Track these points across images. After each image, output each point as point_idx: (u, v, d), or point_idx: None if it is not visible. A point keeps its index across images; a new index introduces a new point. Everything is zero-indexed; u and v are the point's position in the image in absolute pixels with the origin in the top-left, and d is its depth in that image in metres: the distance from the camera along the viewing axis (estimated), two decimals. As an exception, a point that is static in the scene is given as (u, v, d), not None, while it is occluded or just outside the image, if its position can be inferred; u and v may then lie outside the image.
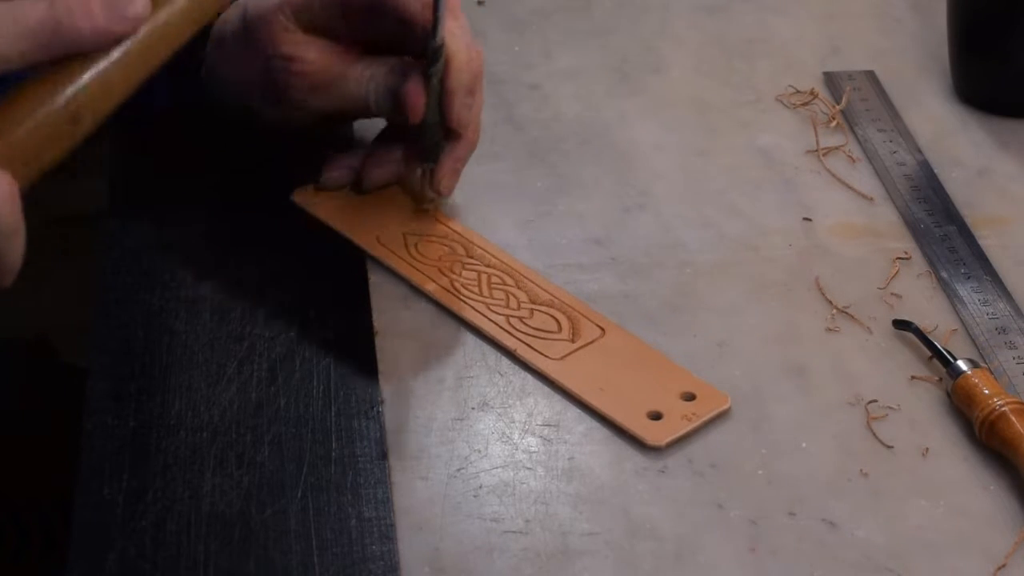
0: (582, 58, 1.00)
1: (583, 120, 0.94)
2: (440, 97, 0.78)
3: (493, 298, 0.79)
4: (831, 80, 0.99)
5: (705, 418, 0.72)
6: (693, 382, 0.74)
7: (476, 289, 0.79)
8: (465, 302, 0.78)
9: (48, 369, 1.09)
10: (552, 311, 0.78)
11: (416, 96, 0.78)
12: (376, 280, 0.80)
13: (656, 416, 0.72)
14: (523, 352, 0.75)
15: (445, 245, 0.82)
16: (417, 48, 0.79)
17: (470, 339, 0.77)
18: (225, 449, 0.70)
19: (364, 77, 0.80)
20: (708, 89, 0.99)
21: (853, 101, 0.97)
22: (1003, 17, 0.94)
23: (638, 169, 0.91)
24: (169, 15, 0.59)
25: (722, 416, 0.73)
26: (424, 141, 0.80)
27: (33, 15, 0.54)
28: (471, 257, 0.81)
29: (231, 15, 0.82)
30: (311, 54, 0.79)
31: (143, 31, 0.57)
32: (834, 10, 1.08)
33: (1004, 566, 0.66)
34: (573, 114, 0.95)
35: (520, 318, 0.77)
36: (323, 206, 0.83)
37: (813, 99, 0.97)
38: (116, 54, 0.56)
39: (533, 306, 0.78)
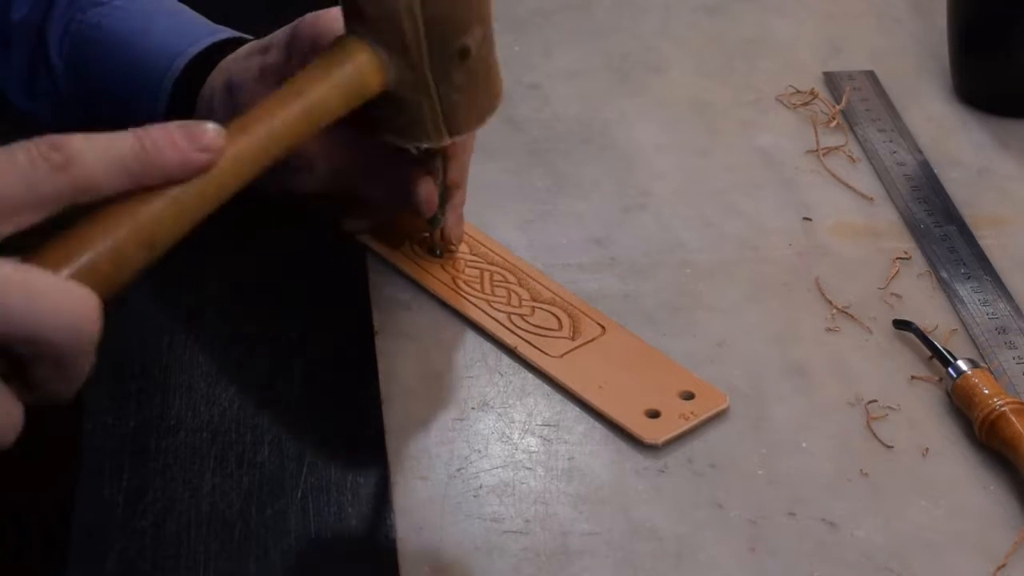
0: (582, 58, 1.00)
1: (583, 120, 0.94)
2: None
3: (495, 296, 0.79)
4: (831, 80, 0.99)
5: (703, 417, 0.72)
6: (692, 381, 0.74)
7: (478, 286, 0.79)
8: (467, 299, 0.78)
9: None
10: (553, 309, 0.78)
11: (431, 199, 0.77)
12: (376, 280, 0.80)
13: (654, 414, 0.72)
14: (524, 350, 0.76)
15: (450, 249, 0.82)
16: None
17: (470, 339, 0.77)
18: (225, 449, 0.70)
19: (381, 174, 0.77)
20: (708, 89, 0.99)
21: (853, 101, 0.97)
22: (1003, 17, 0.94)
23: (638, 169, 0.91)
24: (242, 149, 0.61)
25: (721, 415, 0.73)
26: (432, 221, 0.79)
27: (124, 146, 0.56)
28: (474, 255, 0.81)
29: (216, 83, 0.79)
30: (326, 146, 0.76)
31: (220, 163, 0.59)
32: (834, 10, 1.08)
33: (1004, 566, 0.66)
34: (573, 114, 0.95)
35: (521, 316, 0.78)
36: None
37: (813, 99, 0.97)
38: (192, 184, 0.58)
39: (535, 304, 0.78)
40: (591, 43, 1.02)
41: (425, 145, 0.72)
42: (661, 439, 0.71)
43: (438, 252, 0.81)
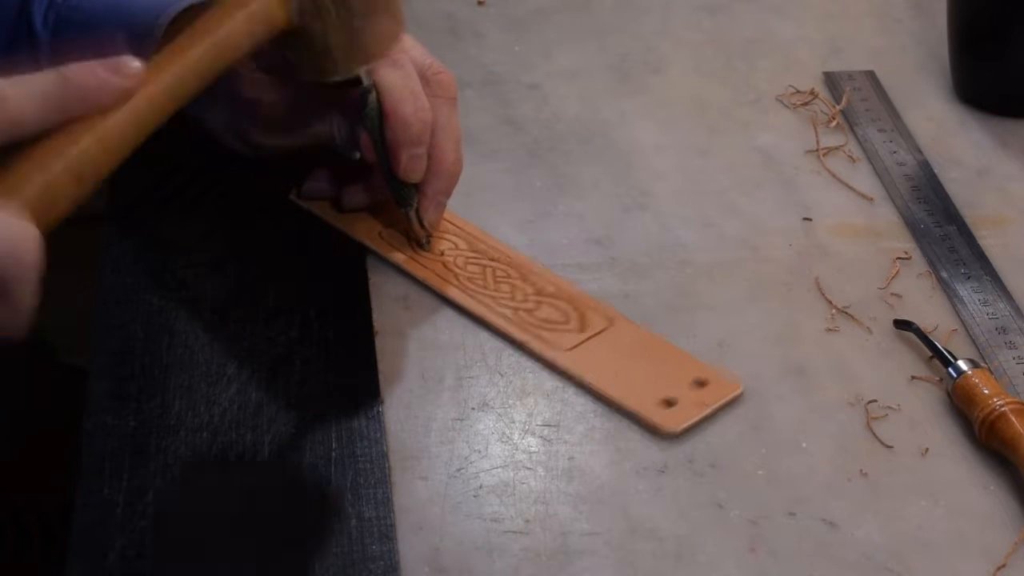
0: (582, 58, 1.00)
1: (583, 120, 0.94)
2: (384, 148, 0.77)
3: (499, 291, 0.79)
4: (831, 80, 0.99)
5: (719, 404, 0.72)
6: (703, 369, 0.74)
7: (481, 283, 0.79)
8: (472, 296, 0.78)
9: (48, 369, 1.09)
10: (558, 303, 0.78)
11: (367, 142, 0.78)
12: (376, 280, 0.80)
13: (671, 403, 0.72)
14: (534, 344, 0.76)
15: (447, 240, 0.82)
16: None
17: (470, 339, 0.77)
18: (225, 449, 0.70)
19: (327, 115, 0.79)
20: (708, 89, 0.99)
21: (853, 101, 0.97)
22: (1003, 17, 0.94)
23: (638, 169, 0.91)
24: (158, 85, 0.63)
25: (734, 402, 0.72)
26: (390, 186, 0.79)
27: (47, 80, 0.59)
28: (474, 251, 0.81)
29: None
30: (273, 95, 0.79)
31: (138, 98, 0.62)
32: (834, 10, 1.08)
33: (1004, 566, 0.66)
34: (573, 114, 0.95)
35: (527, 310, 0.78)
36: (322, 204, 0.83)
37: (813, 99, 0.97)
38: (114, 118, 0.60)
39: (539, 298, 0.78)
40: (591, 43, 1.02)
41: (338, 78, 0.74)
42: (680, 427, 0.71)
43: (424, 243, 0.81)
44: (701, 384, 0.73)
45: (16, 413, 1.02)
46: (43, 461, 0.98)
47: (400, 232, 0.82)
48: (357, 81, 0.76)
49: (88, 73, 0.59)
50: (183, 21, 0.80)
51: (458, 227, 0.83)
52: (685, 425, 0.71)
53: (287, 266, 0.81)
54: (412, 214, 0.80)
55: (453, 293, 0.79)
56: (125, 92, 0.61)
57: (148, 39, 0.80)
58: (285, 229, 0.83)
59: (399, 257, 0.80)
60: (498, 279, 0.80)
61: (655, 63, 1.01)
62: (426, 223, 0.80)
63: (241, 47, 0.69)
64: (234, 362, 0.74)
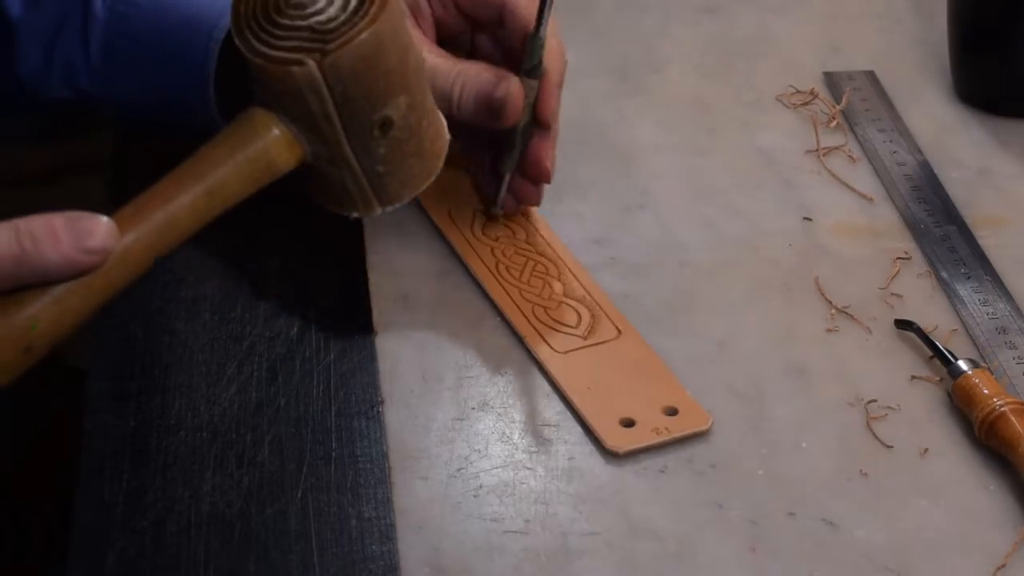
0: (582, 58, 1.00)
1: (583, 120, 0.94)
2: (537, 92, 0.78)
3: (529, 286, 0.79)
4: (831, 80, 0.99)
5: (676, 435, 0.71)
6: (682, 398, 0.73)
7: (517, 273, 0.80)
8: (500, 283, 0.79)
9: (48, 369, 1.09)
10: (579, 306, 0.78)
11: (517, 100, 0.76)
12: (376, 280, 0.80)
13: (628, 423, 0.72)
14: (530, 340, 0.76)
15: (508, 227, 0.83)
16: (514, 39, 0.77)
17: (470, 339, 0.77)
18: (225, 449, 0.70)
19: (452, 73, 0.77)
20: (708, 89, 0.99)
21: (853, 101, 0.97)
22: (1003, 17, 0.94)
23: (638, 169, 0.91)
24: (137, 239, 0.58)
25: (703, 434, 0.72)
26: (509, 146, 0.79)
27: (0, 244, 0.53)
28: (528, 243, 0.82)
29: None
30: None
31: (118, 250, 0.56)
32: (834, 10, 1.08)
33: (1004, 566, 0.66)
34: (573, 114, 0.95)
35: (545, 308, 0.78)
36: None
37: (813, 99, 0.97)
38: (77, 282, 0.55)
39: (563, 299, 0.79)
40: (591, 43, 1.02)
41: (356, 216, 0.71)
42: (624, 449, 0.70)
43: (498, 207, 0.82)
44: (671, 412, 0.72)
45: (16, 413, 1.02)
46: (43, 461, 0.98)
47: (482, 196, 0.83)
48: None
49: (49, 242, 0.53)
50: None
51: (523, 216, 0.84)
52: (631, 448, 0.70)
53: (287, 266, 0.81)
54: (506, 181, 0.81)
55: (483, 275, 0.80)
56: (89, 268, 0.55)
57: (211, 27, 0.80)
58: (285, 229, 0.83)
59: (456, 236, 0.82)
60: (535, 274, 0.80)
61: (655, 63, 1.01)
62: (550, 174, 0.80)
63: (237, 194, 0.64)
64: (234, 362, 0.74)
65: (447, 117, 0.76)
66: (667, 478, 0.70)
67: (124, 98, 0.85)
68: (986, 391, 0.71)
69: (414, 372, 0.75)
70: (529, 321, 0.77)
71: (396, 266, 0.81)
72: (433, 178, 0.72)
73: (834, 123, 0.95)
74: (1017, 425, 0.70)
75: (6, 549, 0.97)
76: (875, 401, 0.74)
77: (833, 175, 0.90)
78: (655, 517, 0.68)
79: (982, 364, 0.74)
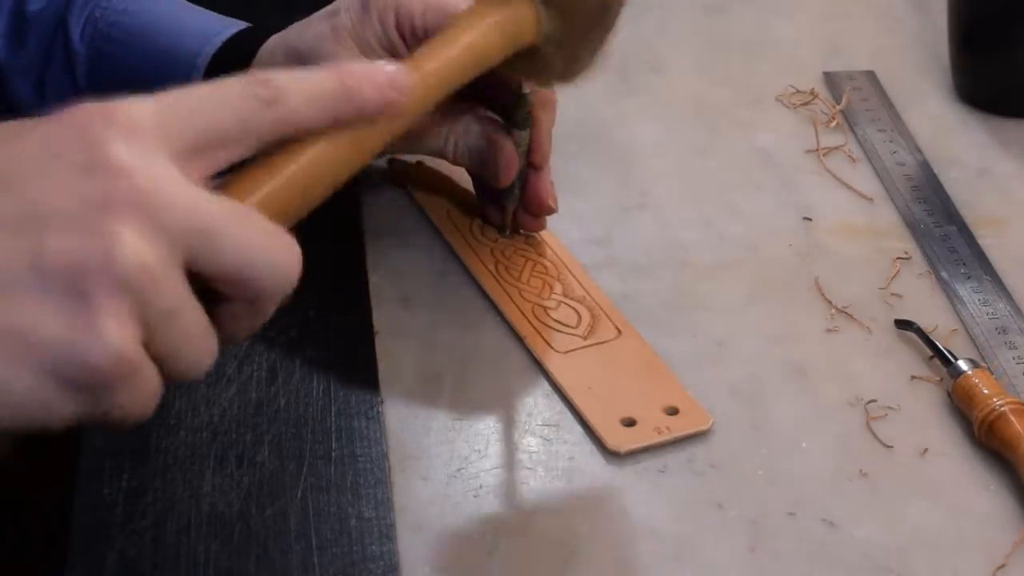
0: (582, 58, 1.00)
1: (583, 120, 0.94)
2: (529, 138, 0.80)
3: (528, 286, 0.80)
4: (831, 80, 0.99)
5: (677, 435, 0.71)
6: (683, 398, 0.73)
7: (516, 274, 0.80)
8: (499, 283, 0.80)
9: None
10: (579, 307, 0.78)
11: (512, 163, 0.79)
12: (376, 280, 0.80)
13: (630, 423, 0.72)
14: (531, 341, 0.76)
15: (519, 234, 0.83)
16: (498, 93, 0.79)
17: (470, 339, 0.77)
18: (225, 449, 0.70)
19: (443, 131, 0.80)
20: (708, 89, 0.99)
21: (853, 101, 0.97)
22: (1003, 17, 0.94)
23: (638, 169, 0.91)
24: (428, 82, 0.62)
25: (704, 433, 0.72)
26: (508, 190, 0.81)
27: (326, 84, 0.56)
28: (527, 243, 0.83)
29: (278, 56, 0.79)
30: None
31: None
32: (834, 10, 1.08)
33: (1004, 566, 0.66)
34: (573, 114, 0.95)
35: (545, 308, 0.78)
36: (412, 177, 0.87)
37: (813, 99, 0.97)
38: (379, 123, 0.58)
39: (563, 299, 0.79)
40: (591, 43, 1.02)
41: (550, 85, 0.76)
42: (625, 448, 0.70)
43: (507, 231, 0.83)
44: (672, 412, 0.72)
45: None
46: (43, 461, 0.98)
47: (487, 221, 0.84)
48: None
49: (368, 85, 0.57)
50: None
51: None
52: (632, 447, 0.70)
53: (287, 266, 0.81)
54: (509, 210, 0.82)
55: (482, 276, 0.80)
56: (396, 107, 0.58)
57: (188, 67, 0.81)
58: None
59: (456, 238, 0.83)
60: (534, 273, 0.80)
61: (655, 63, 1.01)
62: (554, 207, 0.82)
63: (493, 57, 0.67)
64: (234, 362, 0.74)
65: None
66: (667, 478, 0.70)
67: None
68: (986, 391, 0.71)
69: (414, 372, 0.75)
70: (529, 321, 0.77)
71: (396, 266, 0.81)
72: (606, 56, 0.76)
73: (834, 123, 0.95)
74: (1017, 425, 0.70)
75: (6, 549, 0.97)
76: (875, 401, 0.74)
77: (833, 175, 0.91)
78: (655, 517, 0.68)
79: (982, 364, 0.74)
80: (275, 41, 0.80)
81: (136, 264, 0.49)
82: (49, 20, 0.85)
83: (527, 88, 0.78)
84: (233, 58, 0.81)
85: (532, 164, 0.81)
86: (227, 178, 0.56)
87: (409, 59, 0.63)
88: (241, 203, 0.54)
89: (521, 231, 0.83)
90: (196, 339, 0.53)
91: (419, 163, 0.88)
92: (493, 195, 0.83)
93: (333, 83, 0.56)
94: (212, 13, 0.85)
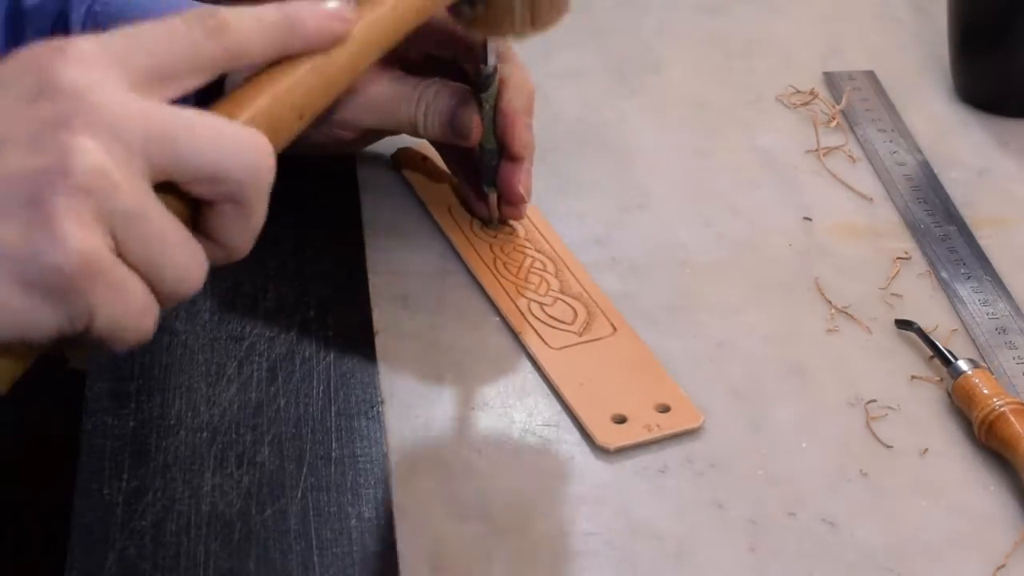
0: (582, 58, 1.00)
1: (583, 120, 0.94)
2: (495, 121, 0.80)
3: (526, 282, 0.80)
4: (831, 80, 0.99)
5: (668, 432, 0.71)
6: (676, 396, 0.73)
7: (515, 270, 0.80)
8: (497, 279, 0.80)
9: (48, 369, 1.09)
10: (575, 303, 0.78)
11: (470, 123, 0.80)
12: (376, 280, 0.80)
13: (620, 420, 0.72)
14: (526, 336, 0.76)
15: (508, 225, 0.84)
16: (469, 71, 0.80)
17: (470, 339, 0.77)
18: (225, 449, 0.70)
19: (415, 98, 0.81)
20: (708, 89, 0.99)
21: (853, 101, 0.97)
22: (1003, 17, 0.94)
23: (638, 169, 0.91)
24: (371, 23, 0.63)
25: (695, 431, 0.72)
26: (482, 166, 0.81)
27: (269, 16, 0.58)
28: (527, 240, 0.83)
29: None
30: (374, 73, 0.80)
31: (357, 34, 0.62)
32: (834, 10, 1.08)
33: (1004, 566, 0.66)
34: (573, 114, 0.95)
35: (541, 305, 0.78)
36: (414, 172, 0.87)
37: (813, 99, 0.97)
38: (330, 55, 0.61)
39: (559, 296, 0.79)
40: (591, 43, 1.02)
41: (511, 37, 0.74)
42: (615, 445, 0.70)
43: (492, 223, 0.83)
44: (664, 410, 0.72)
45: (16, 413, 1.02)
46: (43, 461, 0.98)
47: (472, 213, 0.85)
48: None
49: (309, 14, 0.60)
50: None
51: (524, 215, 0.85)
52: (621, 444, 0.70)
53: (287, 266, 0.81)
54: (492, 198, 0.82)
55: (480, 272, 0.80)
56: (340, 38, 0.61)
57: None
58: (285, 229, 0.83)
59: (456, 234, 0.83)
60: (532, 270, 0.81)
61: (655, 63, 1.01)
62: (517, 197, 0.82)
63: None
64: (234, 362, 0.74)
65: (415, 136, 0.83)
66: (667, 478, 0.70)
67: None
68: (986, 391, 0.71)
69: (414, 372, 0.75)
70: (525, 317, 0.77)
71: (396, 266, 0.81)
72: (568, 11, 0.76)
73: (834, 123, 0.95)
74: (1017, 425, 0.70)
75: (6, 549, 0.97)
76: (875, 401, 0.74)
77: (833, 175, 0.90)
78: (655, 517, 0.68)
79: (982, 364, 0.74)
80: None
81: (92, 168, 0.51)
82: (48, 14, 0.85)
83: (492, 54, 0.78)
84: None
85: (510, 155, 0.81)
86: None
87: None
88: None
89: (507, 222, 0.84)
90: (174, 248, 0.54)
91: (424, 158, 0.88)
92: (473, 182, 0.83)
93: (276, 15, 0.59)
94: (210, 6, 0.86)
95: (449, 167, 0.87)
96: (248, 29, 0.58)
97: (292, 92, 0.59)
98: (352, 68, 0.62)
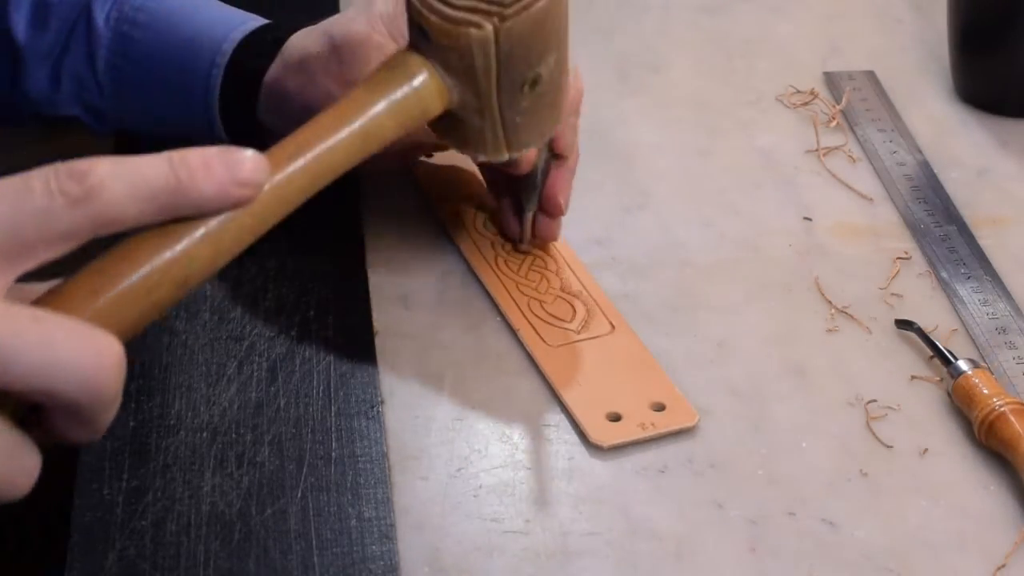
0: (582, 58, 1.00)
1: (583, 120, 0.94)
2: None
3: (526, 280, 0.80)
4: (831, 80, 0.99)
5: (662, 431, 0.71)
6: (672, 394, 0.73)
7: (516, 268, 0.81)
8: (497, 276, 0.80)
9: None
10: (575, 301, 0.79)
11: (531, 152, 0.76)
12: (376, 280, 0.80)
13: (615, 418, 0.72)
14: (524, 333, 0.76)
15: (537, 249, 0.83)
16: None
17: (470, 339, 0.77)
18: (225, 449, 0.70)
19: None
20: (708, 89, 0.99)
21: (853, 101, 0.97)
22: (1003, 17, 0.94)
23: (638, 169, 0.91)
24: (288, 177, 0.57)
25: (690, 430, 0.72)
26: (530, 185, 0.79)
27: (155, 175, 0.52)
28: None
29: (311, 40, 0.78)
30: None
31: (269, 193, 0.56)
32: (834, 10, 1.08)
33: (1004, 566, 0.66)
34: (573, 114, 0.95)
35: (541, 303, 0.78)
36: (424, 170, 0.88)
37: (813, 99, 0.97)
38: (229, 217, 0.54)
39: (559, 293, 0.79)
40: (591, 43, 1.02)
41: (483, 159, 0.69)
42: (608, 443, 0.70)
43: (523, 243, 0.82)
44: (659, 408, 0.72)
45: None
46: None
47: (503, 233, 0.83)
48: None
49: (203, 173, 0.52)
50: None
51: None
52: (615, 442, 0.70)
53: (287, 266, 0.81)
54: (528, 220, 0.80)
55: (481, 269, 0.80)
56: (242, 202, 0.54)
57: (212, 54, 0.82)
58: (285, 229, 0.82)
59: (459, 232, 0.83)
60: (533, 268, 0.81)
61: (655, 63, 1.01)
62: (564, 208, 0.79)
63: (387, 138, 0.62)
64: (234, 362, 0.74)
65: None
66: (667, 478, 0.70)
67: (133, 117, 0.86)
68: (986, 391, 0.71)
69: (414, 372, 0.75)
70: (524, 315, 0.77)
71: (396, 266, 0.81)
72: (559, 125, 0.72)
73: (834, 123, 0.95)
74: (1017, 425, 0.70)
75: (6, 549, 0.97)
76: (875, 401, 0.74)
77: (833, 175, 0.91)
78: (655, 517, 0.68)
79: (982, 364, 0.74)
80: (308, 29, 0.80)
81: None
82: (72, 4, 0.85)
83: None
84: (257, 50, 0.81)
85: (553, 152, 0.79)
86: (57, 285, 0.52)
87: (283, 143, 0.59)
88: (53, 312, 0.50)
89: (536, 239, 0.82)
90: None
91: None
92: (514, 198, 0.81)
93: (163, 176, 0.52)
94: (236, 8, 0.86)
95: (487, 180, 0.84)
96: (122, 195, 0.51)
97: (172, 266, 0.53)
98: (256, 228, 0.56)
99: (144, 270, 0.52)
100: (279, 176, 0.57)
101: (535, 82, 0.66)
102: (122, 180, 0.51)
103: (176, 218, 0.53)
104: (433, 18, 0.64)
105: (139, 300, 0.53)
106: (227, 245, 0.55)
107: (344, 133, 0.60)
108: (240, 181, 0.54)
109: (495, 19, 0.64)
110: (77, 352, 0.49)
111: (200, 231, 0.53)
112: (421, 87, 0.64)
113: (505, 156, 0.69)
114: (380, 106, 0.62)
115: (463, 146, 0.69)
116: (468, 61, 0.64)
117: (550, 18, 0.65)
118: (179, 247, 0.53)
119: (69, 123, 0.89)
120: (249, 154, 0.54)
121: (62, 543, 0.65)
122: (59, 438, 0.51)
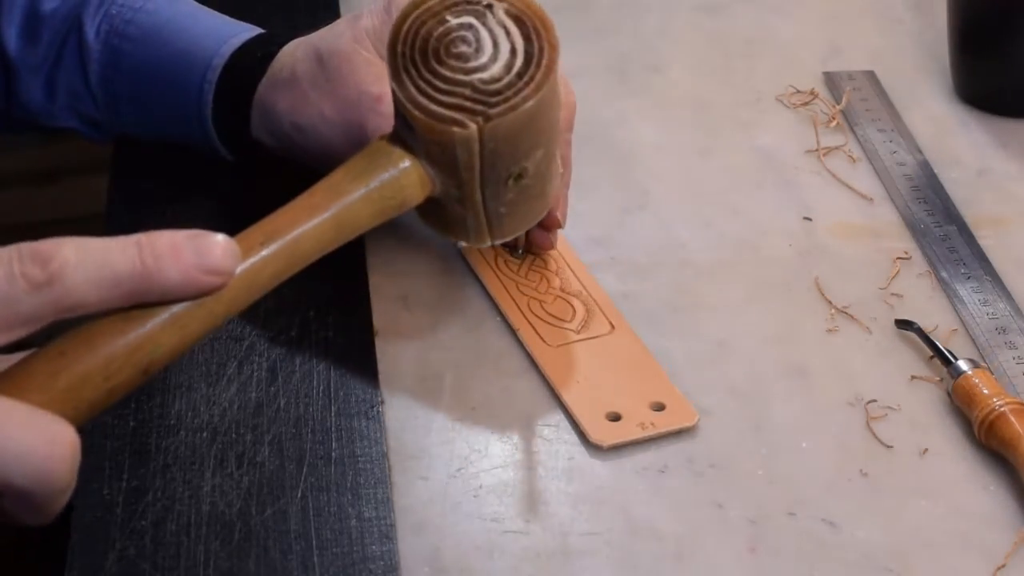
0: (582, 58, 1.00)
1: (583, 120, 0.94)
2: None
3: (526, 280, 0.80)
4: (831, 80, 0.99)
5: (662, 431, 0.71)
6: (671, 394, 0.73)
7: (516, 268, 0.80)
8: (497, 276, 0.80)
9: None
10: (574, 301, 0.79)
11: None
12: (376, 280, 0.80)
13: (615, 418, 0.72)
14: (524, 334, 0.76)
15: (534, 255, 0.83)
16: None
17: (470, 339, 0.77)
18: (225, 449, 0.70)
19: None
20: (708, 89, 0.99)
21: (853, 101, 0.97)
22: (1003, 17, 0.94)
23: (638, 169, 0.91)
24: (260, 263, 0.56)
25: (689, 430, 0.72)
26: None
27: (120, 261, 0.51)
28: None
29: (299, 55, 0.78)
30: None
31: (239, 279, 0.55)
32: (834, 10, 1.08)
33: (1004, 566, 0.66)
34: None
35: (541, 303, 0.78)
36: None
37: (813, 99, 0.97)
38: (197, 304, 0.53)
39: (559, 293, 0.79)
40: (591, 43, 1.02)
41: (464, 244, 0.69)
42: (608, 442, 0.70)
43: (518, 252, 0.81)
44: (659, 408, 0.72)
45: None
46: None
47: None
48: None
49: (171, 260, 0.51)
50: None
51: None
52: (614, 442, 0.70)
53: (287, 266, 0.81)
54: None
55: (481, 270, 0.80)
56: (210, 289, 0.53)
57: (203, 68, 0.81)
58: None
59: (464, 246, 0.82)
60: (533, 268, 0.81)
61: (655, 63, 1.01)
62: (561, 222, 0.79)
63: (363, 227, 0.62)
64: (234, 362, 0.74)
65: None
66: (667, 478, 0.70)
67: (131, 128, 0.86)
68: (986, 391, 0.71)
69: (414, 372, 0.75)
70: (524, 315, 0.77)
71: (396, 266, 0.81)
72: (544, 215, 0.71)
73: (834, 123, 0.95)
74: (1017, 425, 0.70)
75: (6, 549, 0.97)
76: (875, 401, 0.74)
77: (833, 175, 0.91)
78: (655, 517, 0.68)
79: (982, 364, 0.74)
80: (297, 42, 0.80)
81: None
82: (63, 17, 0.85)
83: None
84: (249, 61, 0.81)
85: None
86: (17, 363, 0.51)
87: (256, 227, 0.58)
88: (7, 396, 0.49)
89: (532, 248, 0.81)
90: None
91: None
92: None
93: (129, 262, 0.51)
94: (227, 17, 0.86)
95: None
96: (86, 281, 0.50)
97: (135, 352, 0.52)
98: (226, 314, 0.54)
99: (105, 354, 0.51)
100: (250, 261, 0.56)
101: (520, 176, 0.66)
102: (86, 265, 0.50)
103: (142, 304, 0.52)
104: (417, 113, 0.63)
105: (98, 385, 0.52)
106: (194, 331, 0.54)
107: (318, 220, 0.60)
108: (209, 269, 0.53)
109: (479, 119, 0.63)
110: (29, 441, 0.48)
111: (165, 316, 0.52)
112: (402, 176, 0.64)
113: (488, 243, 0.69)
114: (357, 194, 0.62)
115: (445, 231, 0.69)
116: (451, 156, 0.64)
117: (536, 118, 0.65)
118: (143, 332, 0.52)
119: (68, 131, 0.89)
120: (220, 239, 0.53)
121: (62, 543, 0.65)
122: (9, 521, 0.51)
